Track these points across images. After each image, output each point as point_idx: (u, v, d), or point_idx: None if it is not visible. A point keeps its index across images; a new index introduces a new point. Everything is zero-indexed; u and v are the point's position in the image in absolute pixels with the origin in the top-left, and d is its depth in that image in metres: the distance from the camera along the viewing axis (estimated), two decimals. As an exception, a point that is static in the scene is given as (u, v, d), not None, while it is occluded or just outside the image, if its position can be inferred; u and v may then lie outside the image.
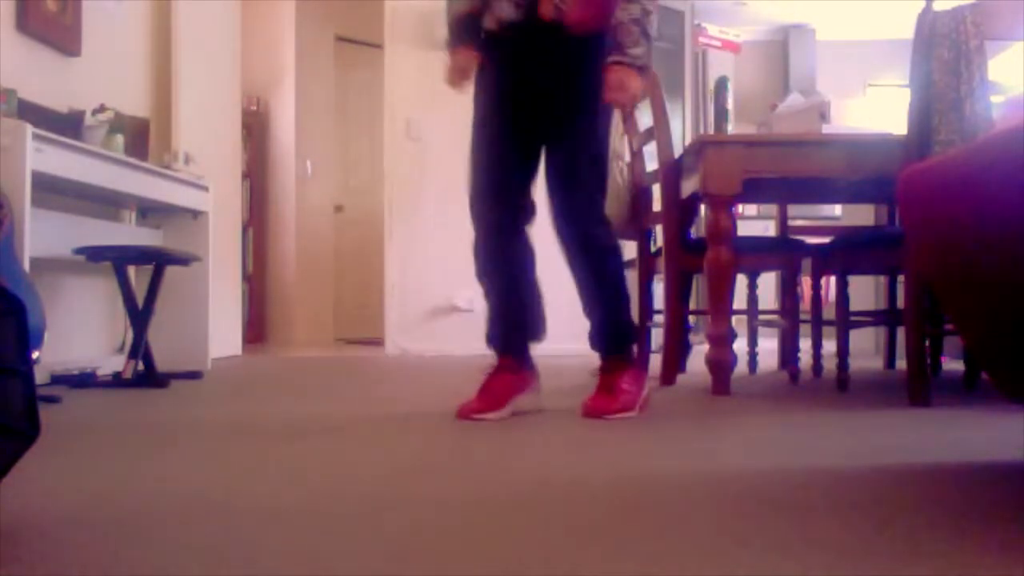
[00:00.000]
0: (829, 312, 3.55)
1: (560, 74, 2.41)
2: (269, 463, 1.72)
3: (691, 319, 4.65)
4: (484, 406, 2.38)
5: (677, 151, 3.40)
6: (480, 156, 2.48)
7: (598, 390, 2.48)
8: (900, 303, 3.60)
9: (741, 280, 3.76)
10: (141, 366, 3.43)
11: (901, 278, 3.19)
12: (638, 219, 3.69)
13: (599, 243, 2.46)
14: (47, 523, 1.23)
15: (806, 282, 4.60)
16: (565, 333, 5.31)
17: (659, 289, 3.58)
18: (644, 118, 3.57)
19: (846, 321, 3.04)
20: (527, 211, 2.51)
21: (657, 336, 3.73)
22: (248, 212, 6.47)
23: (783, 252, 3.33)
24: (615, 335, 2.53)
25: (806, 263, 3.45)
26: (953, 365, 3.98)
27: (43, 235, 3.15)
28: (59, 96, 3.60)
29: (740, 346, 3.61)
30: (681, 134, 6.40)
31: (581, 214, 2.43)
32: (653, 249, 3.71)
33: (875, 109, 8.47)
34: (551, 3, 2.34)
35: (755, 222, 7.55)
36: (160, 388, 3.26)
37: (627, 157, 3.81)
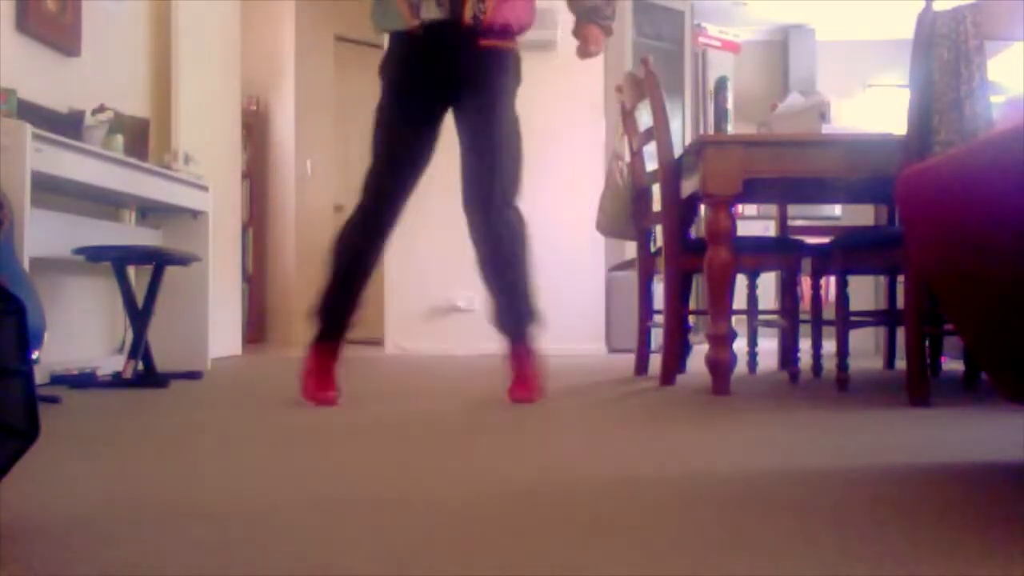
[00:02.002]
0: (829, 312, 3.56)
1: (471, 71, 2.67)
2: (269, 463, 1.72)
3: (691, 319, 4.66)
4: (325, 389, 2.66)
5: (677, 151, 3.40)
6: (382, 137, 2.71)
7: (517, 378, 2.70)
8: (900, 303, 3.60)
9: (741, 280, 3.76)
10: (141, 366, 3.43)
11: (901, 278, 3.20)
12: (638, 219, 3.69)
13: (505, 229, 2.66)
14: (47, 523, 1.23)
15: (806, 282, 4.61)
16: (565, 333, 5.34)
17: (659, 289, 3.58)
18: (644, 118, 3.57)
19: (846, 321, 3.04)
20: (406, 194, 2.71)
21: (657, 336, 3.73)
22: (248, 212, 6.47)
23: (783, 252, 3.33)
24: (517, 321, 2.71)
25: (806, 263, 3.46)
26: (953, 365, 3.98)
27: (43, 235, 3.15)
28: (59, 96, 3.60)
29: (740, 346, 3.61)
30: (681, 134, 6.40)
31: (489, 201, 2.65)
32: (653, 249, 3.71)
33: (875, 109, 8.49)
34: (471, 4, 2.59)
35: (755, 222, 7.55)
36: (160, 388, 3.26)
37: (627, 157, 3.81)
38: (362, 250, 2.70)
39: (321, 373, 2.68)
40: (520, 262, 2.69)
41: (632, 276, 4.80)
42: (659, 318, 3.52)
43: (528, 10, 2.74)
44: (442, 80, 2.69)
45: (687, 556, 1.06)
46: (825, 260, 3.22)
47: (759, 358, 3.91)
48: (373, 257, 2.72)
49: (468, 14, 2.59)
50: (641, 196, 3.70)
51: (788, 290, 3.53)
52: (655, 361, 3.51)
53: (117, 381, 3.36)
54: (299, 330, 6.69)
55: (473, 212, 2.69)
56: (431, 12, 2.61)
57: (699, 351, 3.54)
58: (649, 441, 1.98)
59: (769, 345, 5.28)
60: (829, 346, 3.90)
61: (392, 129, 2.71)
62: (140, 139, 3.89)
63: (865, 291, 4.88)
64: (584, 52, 2.85)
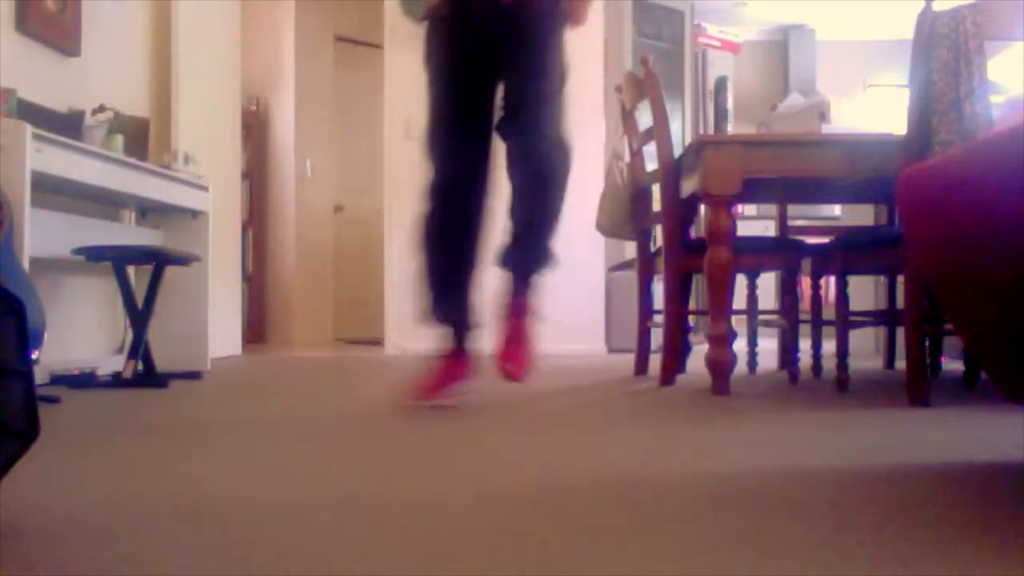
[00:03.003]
0: (829, 312, 3.56)
1: (513, 25, 2.48)
2: (269, 463, 1.72)
3: (691, 319, 4.66)
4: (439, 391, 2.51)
5: (677, 151, 3.40)
6: (440, 90, 2.53)
7: (509, 341, 2.51)
8: (900, 303, 3.60)
9: (741, 280, 3.76)
10: (141, 366, 3.43)
11: (901, 278, 3.20)
12: (638, 219, 3.69)
13: (554, 153, 2.46)
14: (47, 523, 1.23)
15: (806, 282, 4.60)
16: (565, 333, 5.34)
17: (659, 289, 3.58)
18: (644, 118, 3.57)
19: (846, 321, 3.04)
20: (487, 145, 2.53)
21: (657, 336, 3.73)
22: (248, 212, 6.47)
23: (783, 252, 3.33)
24: (530, 259, 2.55)
25: (806, 263, 3.46)
26: (953, 365, 3.98)
27: (43, 235, 3.15)
28: (59, 96, 3.60)
29: (740, 346, 3.61)
30: (681, 134, 6.40)
31: (538, 123, 2.44)
32: (653, 249, 3.71)
33: (875, 109, 8.49)
34: None
35: (755, 222, 7.56)
36: (160, 388, 3.26)
37: (627, 157, 3.81)
38: (456, 237, 2.54)
39: (453, 379, 2.56)
40: (558, 194, 2.49)
41: (632, 276, 4.81)
42: (659, 318, 3.52)
43: None
44: (487, 44, 2.52)
45: (687, 556, 1.06)
46: (825, 260, 3.22)
47: (759, 358, 3.91)
48: (473, 240, 2.55)
49: None
50: (641, 196, 3.70)
51: (788, 290, 3.53)
52: (655, 361, 3.51)
53: (117, 381, 3.36)
54: (299, 330, 6.70)
55: (518, 135, 2.47)
56: None
57: (699, 351, 3.54)
58: (649, 441, 1.98)
59: (769, 345, 5.28)
60: (829, 346, 3.91)
61: (452, 101, 2.53)
62: (140, 139, 3.89)
63: (865, 291, 4.88)
64: (575, 14, 2.62)
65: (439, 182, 2.51)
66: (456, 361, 2.59)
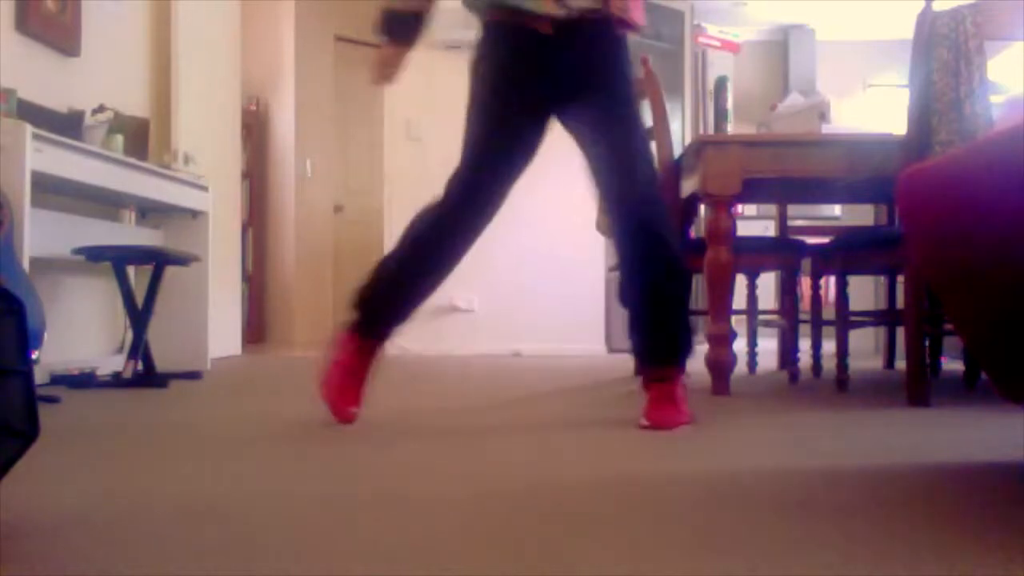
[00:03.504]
0: (829, 312, 3.56)
1: (602, 62, 2.29)
2: (268, 463, 1.72)
3: (691, 319, 4.65)
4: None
5: (677, 151, 3.41)
6: (481, 137, 2.31)
7: (655, 402, 2.29)
8: (900, 303, 3.60)
9: (741, 280, 3.76)
10: (141, 366, 3.43)
11: (901, 278, 3.20)
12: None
13: (664, 224, 2.27)
14: (47, 523, 1.23)
15: (806, 282, 4.60)
16: (565, 333, 5.34)
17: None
18: (644, 118, 3.57)
19: (845, 321, 3.04)
20: (500, 200, 2.34)
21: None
22: (248, 212, 6.47)
23: (783, 252, 3.33)
24: (685, 342, 2.36)
25: (806, 263, 3.46)
26: (953, 365, 3.98)
27: (43, 235, 3.15)
28: (59, 96, 3.60)
29: (740, 346, 3.61)
30: (681, 134, 6.40)
31: (644, 193, 2.26)
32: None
33: (874, 109, 8.49)
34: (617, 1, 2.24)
35: (755, 222, 7.55)
36: (159, 388, 3.26)
37: (627, 157, 3.80)
38: (435, 247, 2.32)
39: (349, 379, 2.33)
40: (680, 263, 2.30)
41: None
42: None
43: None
44: (564, 75, 2.28)
45: (686, 556, 1.06)
46: (825, 260, 3.22)
47: (759, 358, 3.91)
48: (446, 258, 2.33)
49: (616, 6, 2.23)
50: (641, 196, 3.69)
51: (788, 290, 3.53)
52: (655, 361, 3.50)
53: (117, 381, 3.36)
54: (299, 330, 6.70)
55: (626, 207, 2.27)
56: (583, 0, 2.23)
57: (699, 351, 3.53)
58: (649, 441, 1.98)
59: (769, 345, 5.28)
60: (829, 346, 3.91)
61: (497, 130, 2.31)
62: (140, 139, 3.89)
63: (865, 291, 4.88)
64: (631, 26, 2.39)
65: (449, 203, 2.33)
66: (362, 355, 2.36)
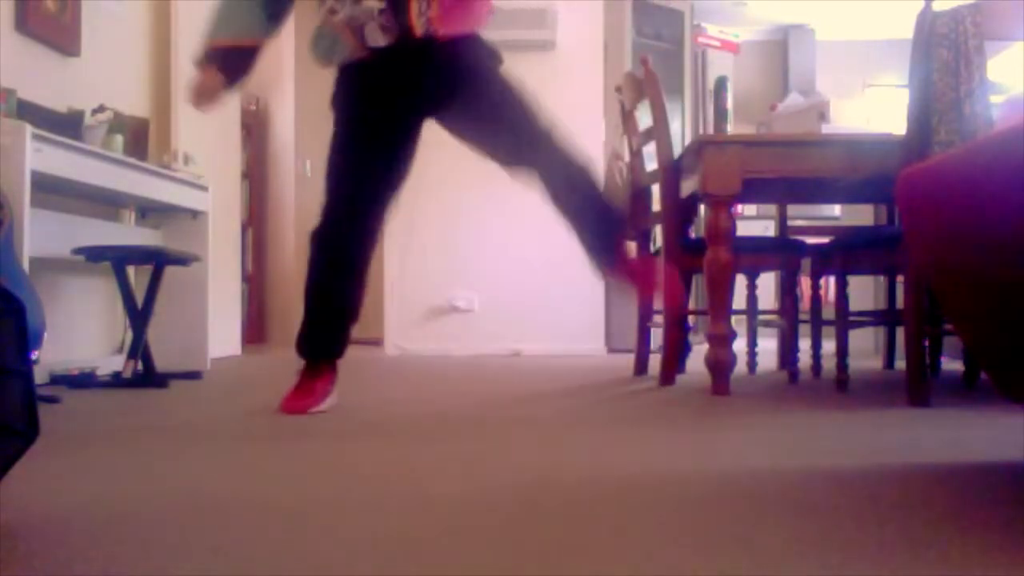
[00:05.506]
0: (828, 312, 3.55)
1: (453, 78, 2.47)
2: (268, 463, 1.72)
3: (691, 319, 4.65)
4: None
5: (677, 151, 3.40)
6: (342, 175, 2.56)
7: (633, 272, 2.60)
8: (900, 303, 3.60)
9: (741, 280, 3.76)
10: (140, 366, 3.43)
11: (901, 278, 3.19)
12: (637, 219, 3.69)
13: (550, 162, 2.47)
14: (47, 523, 1.23)
15: (806, 282, 4.60)
16: (565, 333, 5.34)
17: (659, 289, 3.57)
18: (644, 118, 3.57)
19: (845, 321, 3.04)
20: (374, 239, 2.55)
21: (657, 336, 3.73)
22: (248, 212, 6.47)
23: (783, 252, 3.33)
24: (605, 233, 2.64)
25: (806, 263, 3.46)
26: (953, 365, 3.98)
27: (43, 235, 3.15)
28: (59, 96, 3.59)
29: (740, 346, 3.61)
30: (681, 134, 6.40)
31: (520, 155, 2.47)
32: (653, 249, 3.70)
33: (874, 109, 8.49)
34: (419, 21, 2.38)
35: (755, 222, 7.55)
36: (159, 388, 3.26)
37: (627, 157, 3.81)
38: (337, 258, 2.52)
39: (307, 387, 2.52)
40: (582, 182, 2.52)
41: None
42: (659, 318, 3.52)
43: (483, 8, 2.51)
44: (414, 93, 2.52)
45: (686, 556, 1.06)
46: (825, 260, 3.22)
47: (759, 358, 3.91)
48: (356, 258, 2.53)
49: (418, 27, 2.39)
50: (640, 196, 3.70)
51: (788, 290, 3.53)
52: (655, 361, 3.50)
53: (117, 381, 3.36)
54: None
55: (514, 169, 2.53)
56: (377, 39, 2.45)
57: (699, 351, 3.53)
58: (649, 441, 1.98)
59: (769, 345, 5.28)
60: (829, 346, 3.90)
61: (361, 160, 2.56)
62: (140, 139, 3.89)
63: (865, 291, 4.88)
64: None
65: (330, 222, 2.51)
66: (322, 377, 2.54)
